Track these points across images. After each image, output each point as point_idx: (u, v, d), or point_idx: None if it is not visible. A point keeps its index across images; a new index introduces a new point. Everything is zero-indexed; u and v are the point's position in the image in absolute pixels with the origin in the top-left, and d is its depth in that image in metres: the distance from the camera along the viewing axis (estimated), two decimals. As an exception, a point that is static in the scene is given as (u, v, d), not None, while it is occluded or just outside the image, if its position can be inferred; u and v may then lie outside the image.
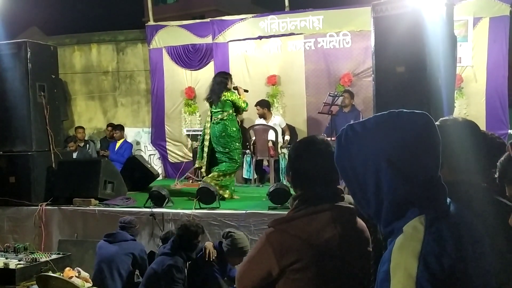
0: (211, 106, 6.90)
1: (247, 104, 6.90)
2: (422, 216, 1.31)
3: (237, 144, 6.76)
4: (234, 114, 6.82)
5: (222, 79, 6.81)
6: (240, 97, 6.81)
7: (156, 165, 9.93)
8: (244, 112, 7.15)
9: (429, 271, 1.25)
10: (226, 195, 6.66)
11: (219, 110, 6.75)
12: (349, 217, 2.00)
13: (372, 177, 1.35)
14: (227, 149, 6.72)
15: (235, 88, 6.94)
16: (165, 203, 6.09)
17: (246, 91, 7.25)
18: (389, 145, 1.33)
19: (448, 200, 1.40)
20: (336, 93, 7.89)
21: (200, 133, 7.47)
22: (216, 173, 6.66)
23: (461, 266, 1.29)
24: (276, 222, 2.02)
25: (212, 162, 6.89)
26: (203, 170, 6.97)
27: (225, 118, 6.72)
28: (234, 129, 6.76)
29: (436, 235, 1.29)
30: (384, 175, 1.33)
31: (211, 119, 6.88)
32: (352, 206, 2.02)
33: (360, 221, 2.00)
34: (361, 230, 2.00)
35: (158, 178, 8.75)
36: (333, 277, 1.92)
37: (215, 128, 6.75)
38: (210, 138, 6.84)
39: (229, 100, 6.69)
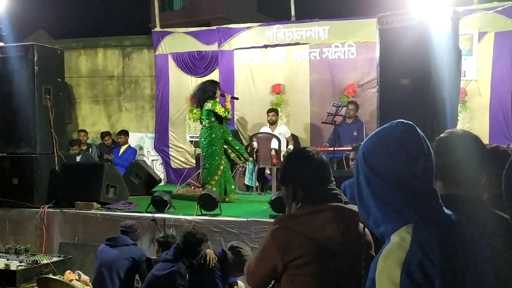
0: (200, 114, 7.25)
1: (228, 112, 7.14)
2: (410, 225, 1.34)
3: (214, 147, 7.05)
4: (216, 122, 7.06)
5: (206, 88, 7.11)
6: (224, 106, 7.10)
7: (159, 170, 9.95)
8: (224, 119, 7.29)
9: (410, 278, 1.27)
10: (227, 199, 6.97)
11: (203, 117, 7.11)
12: (350, 218, 2.04)
13: (358, 177, 1.43)
14: (209, 152, 7.03)
15: (222, 95, 7.22)
16: (166, 209, 6.09)
17: (235, 98, 7.58)
18: (367, 145, 1.43)
19: (447, 210, 1.42)
20: (340, 104, 7.91)
21: None
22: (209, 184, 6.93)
23: (448, 276, 1.30)
24: (280, 219, 2.16)
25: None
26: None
27: (206, 125, 7.05)
28: (214, 135, 7.05)
29: (422, 244, 1.31)
30: (363, 174, 1.41)
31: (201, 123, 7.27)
32: (354, 208, 2.05)
33: (362, 225, 2.02)
34: (364, 233, 2.01)
35: (160, 184, 8.77)
36: (334, 274, 1.97)
37: (201, 132, 7.17)
38: None
39: (209, 109, 6.99)
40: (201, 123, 7.21)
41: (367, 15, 8.42)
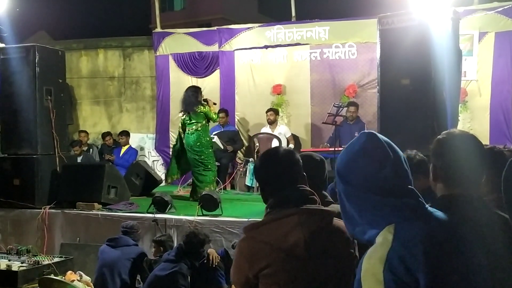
0: (186, 119, 7.26)
1: (217, 115, 7.47)
2: (392, 225, 1.39)
3: (209, 150, 7.26)
4: (207, 124, 7.28)
5: (193, 93, 7.27)
6: (210, 109, 7.25)
7: (159, 171, 9.94)
8: (214, 122, 7.67)
9: (393, 274, 1.31)
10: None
11: (193, 121, 7.16)
12: (319, 219, 1.99)
13: (340, 195, 1.53)
14: (202, 156, 7.13)
15: (205, 100, 7.38)
16: (167, 209, 6.10)
17: (215, 104, 7.70)
18: (339, 163, 1.54)
19: (432, 209, 1.46)
20: (340, 104, 7.91)
21: None
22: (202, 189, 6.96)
23: (433, 271, 1.32)
24: (246, 229, 2.07)
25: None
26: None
27: (199, 128, 7.15)
28: (208, 138, 7.28)
29: (404, 240, 1.35)
30: (342, 190, 1.51)
31: (183, 130, 7.29)
32: (324, 208, 2.06)
33: (339, 223, 1.95)
34: (339, 231, 1.98)
35: (161, 184, 8.77)
36: (307, 280, 1.92)
37: (190, 138, 7.17)
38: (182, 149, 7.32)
39: (202, 112, 7.11)
40: (185, 129, 7.22)
41: (368, 16, 8.43)
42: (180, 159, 7.44)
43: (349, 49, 8.82)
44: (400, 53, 5.42)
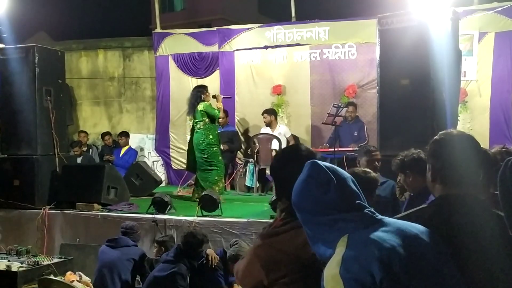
0: (193, 118, 7.38)
1: (219, 111, 7.34)
2: (345, 235, 1.52)
3: (214, 148, 7.23)
4: (210, 123, 7.24)
5: (197, 92, 7.35)
6: (216, 106, 7.33)
7: (159, 171, 9.94)
8: (218, 118, 7.52)
9: (348, 271, 1.43)
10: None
11: (197, 120, 7.23)
12: None
13: (303, 225, 1.66)
14: (206, 154, 7.15)
15: (214, 96, 7.45)
16: (167, 210, 6.10)
17: (227, 97, 7.82)
18: (293, 195, 1.66)
19: (382, 217, 1.59)
20: (340, 104, 7.91)
21: None
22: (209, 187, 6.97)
23: (388, 269, 1.41)
24: (264, 236, 2.03)
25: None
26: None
27: (202, 127, 7.18)
28: (211, 136, 7.22)
29: (357, 243, 1.49)
30: (301, 219, 1.64)
31: (192, 129, 7.42)
32: None
33: None
34: None
35: (161, 185, 8.77)
36: None
37: (195, 136, 7.27)
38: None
39: (202, 110, 7.13)
40: (194, 128, 7.32)
41: (367, 16, 8.43)
42: (191, 156, 7.45)
43: (348, 49, 8.82)
44: (400, 54, 5.43)
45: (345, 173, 1.65)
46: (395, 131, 5.51)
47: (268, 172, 8.41)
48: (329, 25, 8.97)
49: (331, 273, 1.47)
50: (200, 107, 7.18)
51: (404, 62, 5.40)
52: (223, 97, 7.66)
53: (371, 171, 3.28)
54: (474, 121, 8.06)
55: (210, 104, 7.31)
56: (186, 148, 9.87)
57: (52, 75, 7.08)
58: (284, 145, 8.24)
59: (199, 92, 7.32)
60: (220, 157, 7.30)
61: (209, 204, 5.96)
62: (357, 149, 7.28)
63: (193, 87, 7.83)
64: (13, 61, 6.87)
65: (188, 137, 9.47)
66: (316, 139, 8.94)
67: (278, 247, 1.93)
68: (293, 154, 2.06)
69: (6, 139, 7.03)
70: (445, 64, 5.32)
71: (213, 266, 4.41)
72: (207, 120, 7.19)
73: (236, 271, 2.14)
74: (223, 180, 7.42)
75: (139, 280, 5.15)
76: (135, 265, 5.00)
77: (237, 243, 4.59)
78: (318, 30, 8.98)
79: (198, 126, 7.23)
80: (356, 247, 1.48)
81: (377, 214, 1.60)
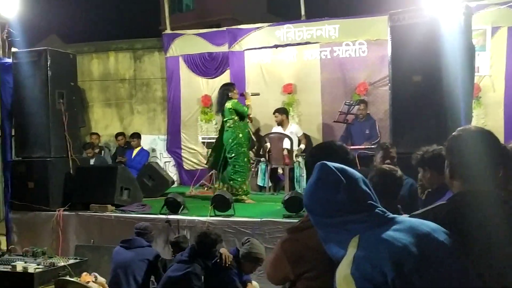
0: (222, 117, 7.38)
1: (248, 108, 7.25)
2: (357, 236, 1.53)
3: (242, 149, 7.15)
4: (240, 120, 7.17)
5: (224, 90, 7.34)
6: (246, 104, 7.25)
7: (171, 172, 9.98)
8: (248, 115, 7.43)
9: (360, 270, 1.44)
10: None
11: (226, 119, 7.21)
12: None
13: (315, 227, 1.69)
14: (233, 154, 7.11)
15: (242, 94, 7.40)
16: (180, 210, 6.12)
17: (255, 94, 7.68)
18: (304, 200, 1.68)
19: (394, 215, 1.58)
20: (351, 102, 7.88)
21: (215, 140, 7.82)
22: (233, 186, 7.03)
23: (391, 270, 1.41)
24: (291, 230, 2.09)
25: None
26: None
27: (231, 125, 7.15)
28: (241, 135, 7.16)
29: (368, 244, 1.50)
30: (314, 222, 1.66)
31: (221, 128, 7.42)
32: None
33: None
34: None
35: (173, 185, 8.80)
36: None
37: (225, 135, 7.24)
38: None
39: (230, 108, 7.10)
40: (224, 127, 7.30)
41: (378, 13, 8.38)
42: (215, 153, 7.46)
43: (359, 46, 8.77)
44: (412, 50, 5.38)
45: (356, 174, 1.65)
46: (408, 128, 5.47)
47: (280, 171, 8.40)
48: (339, 22, 8.93)
49: (343, 273, 1.48)
50: (229, 105, 7.15)
51: (416, 58, 5.36)
52: (251, 94, 7.59)
53: (397, 168, 3.23)
54: (488, 116, 7.98)
55: (238, 101, 7.25)
56: (197, 148, 9.96)
57: (65, 78, 7.12)
58: (295, 144, 8.23)
59: (226, 90, 7.29)
60: (246, 159, 7.23)
61: (221, 204, 5.97)
62: (370, 147, 7.25)
63: (221, 84, 7.77)
64: (26, 64, 6.92)
65: (200, 138, 9.55)
66: (327, 137, 8.89)
67: (304, 242, 1.97)
68: (328, 149, 2.10)
69: (20, 142, 7.10)
70: (458, 60, 5.27)
71: (227, 265, 4.40)
72: (236, 118, 7.14)
73: (265, 266, 2.19)
74: (247, 182, 7.32)
75: (153, 280, 5.16)
76: (149, 265, 5.01)
77: (248, 241, 4.58)
78: (328, 28, 8.95)
79: (228, 124, 7.19)
80: (367, 247, 1.49)
81: (389, 213, 1.60)
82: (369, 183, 1.67)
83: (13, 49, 7.48)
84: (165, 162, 10.37)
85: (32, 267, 5.09)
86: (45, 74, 6.84)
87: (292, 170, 8.00)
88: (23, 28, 8.20)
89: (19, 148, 7.10)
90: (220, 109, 7.30)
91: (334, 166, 1.63)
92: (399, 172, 2.81)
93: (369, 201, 1.58)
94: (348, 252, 1.52)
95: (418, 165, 3.59)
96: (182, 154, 10.13)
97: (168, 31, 10.38)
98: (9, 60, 7.24)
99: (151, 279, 5.13)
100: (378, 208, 1.58)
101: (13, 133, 7.34)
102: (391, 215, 1.59)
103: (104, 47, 11.18)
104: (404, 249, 1.45)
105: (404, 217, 1.63)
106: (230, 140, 7.12)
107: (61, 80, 7.04)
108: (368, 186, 1.63)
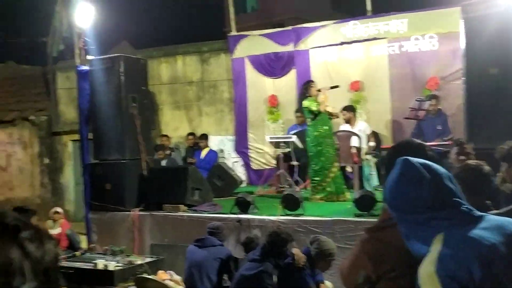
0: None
1: (318, 103, 7.02)
2: (442, 233, 1.49)
3: (319, 148, 7.06)
4: (315, 117, 7.09)
5: (302, 89, 7.34)
6: (319, 102, 7.07)
7: (240, 172, 10.08)
8: (330, 113, 7.26)
9: (445, 269, 1.41)
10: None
11: (306, 117, 7.25)
12: None
13: (398, 225, 1.66)
14: (310, 153, 7.13)
15: (319, 90, 7.23)
16: (249, 209, 6.18)
17: (335, 87, 7.47)
18: (386, 196, 1.67)
19: (482, 213, 1.55)
20: (423, 98, 7.64)
21: (282, 140, 8.00)
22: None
23: (479, 270, 1.38)
24: (371, 229, 2.05)
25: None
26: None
27: (309, 124, 7.17)
28: (316, 133, 7.10)
29: (454, 242, 1.46)
30: (396, 218, 1.64)
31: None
32: None
33: None
34: None
35: (242, 185, 8.89)
36: None
37: (307, 133, 7.29)
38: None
39: (305, 107, 7.12)
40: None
41: (448, 5, 8.08)
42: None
43: (429, 40, 8.49)
44: (487, 41, 5.17)
45: (441, 170, 1.60)
46: (483, 124, 5.26)
47: (348, 169, 8.29)
48: (408, 16, 8.69)
49: (427, 271, 1.45)
50: (304, 104, 7.15)
51: (491, 50, 5.15)
52: (331, 87, 7.39)
53: (484, 164, 3.10)
54: None
55: (314, 99, 7.13)
56: (265, 148, 10.02)
57: (137, 82, 7.40)
58: (364, 142, 8.09)
59: (304, 89, 7.28)
60: (322, 158, 7.05)
61: (291, 203, 5.98)
62: (442, 143, 7.00)
63: (303, 84, 7.65)
64: (101, 71, 7.25)
65: (267, 138, 9.57)
66: (397, 134, 8.68)
67: (386, 241, 1.93)
68: (408, 146, 2.05)
69: (97, 145, 7.44)
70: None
71: (301, 266, 4.40)
72: (312, 116, 7.12)
73: (341, 270, 2.14)
74: (322, 184, 7.13)
75: (226, 279, 5.24)
76: (222, 264, 5.11)
77: (317, 239, 4.55)
78: (396, 23, 8.73)
79: (308, 123, 7.22)
80: (453, 245, 1.45)
81: (475, 211, 1.55)
82: (455, 180, 1.62)
83: (88, 57, 7.86)
84: (234, 162, 10.49)
85: (112, 265, 5.34)
86: (118, 80, 7.13)
87: (361, 168, 7.87)
88: (97, 36, 8.60)
89: (96, 151, 7.44)
90: (300, 108, 7.32)
91: (418, 162, 1.60)
92: (487, 168, 2.68)
93: (454, 198, 1.54)
94: (432, 250, 1.49)
95: (503, 160, 3.45)
96: (250, 154, 10.22)
97: (234, 33, 10.50)
98: (86, 68, 7.61)
99: (224, 277, 5.22)
100: (464, 206, 1.54)
101: (90, 137, 7.71)
102: (478, 213, 1.55)
103: (172, 51, 11.48)
104: (493, 247, 1.42)
105: (491, 216, 1.58)
106: (308, 139, 7.15)
107: (133, 85, 7.31)
108: (453, 182, 1.58)
